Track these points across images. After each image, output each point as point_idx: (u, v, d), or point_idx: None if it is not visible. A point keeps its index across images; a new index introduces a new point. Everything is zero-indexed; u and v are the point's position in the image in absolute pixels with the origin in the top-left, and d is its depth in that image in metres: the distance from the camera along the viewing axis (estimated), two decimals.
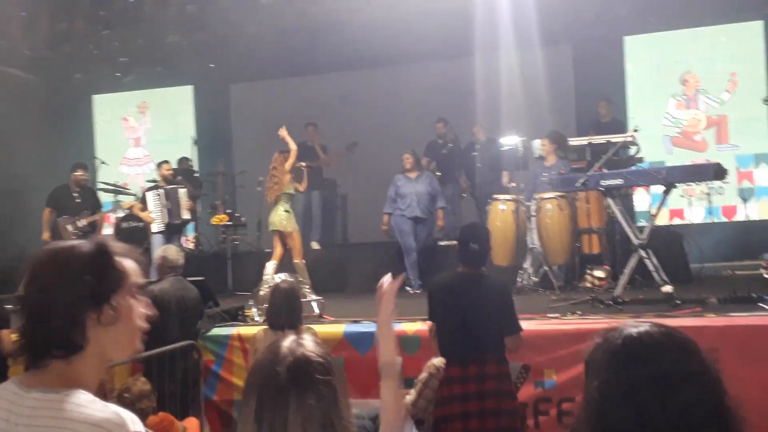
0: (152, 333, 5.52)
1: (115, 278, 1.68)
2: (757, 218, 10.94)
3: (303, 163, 9.02)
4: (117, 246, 1.73)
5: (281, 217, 8.43)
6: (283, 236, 8.48)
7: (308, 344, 1.71)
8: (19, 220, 10.95)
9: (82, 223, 9.67)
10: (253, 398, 1.63)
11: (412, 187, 9.16)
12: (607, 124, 9.92)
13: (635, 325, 1.48)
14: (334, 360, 1.73)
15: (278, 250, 8.49)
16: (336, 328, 6.23)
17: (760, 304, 5.87)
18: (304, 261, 8.45)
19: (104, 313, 1.64)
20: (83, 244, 1.68)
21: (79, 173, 9.93)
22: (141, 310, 1.73)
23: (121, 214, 10.56)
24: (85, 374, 1.65)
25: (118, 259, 1.70)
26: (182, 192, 9.38)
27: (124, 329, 1.69)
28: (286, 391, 1.61)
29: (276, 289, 5.30)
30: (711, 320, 5.49)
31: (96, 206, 10.11)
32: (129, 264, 1.73)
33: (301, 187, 8.90)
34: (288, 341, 1.71)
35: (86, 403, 1.58)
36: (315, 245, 10.80)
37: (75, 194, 9.88)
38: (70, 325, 1.60)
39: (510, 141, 9.22)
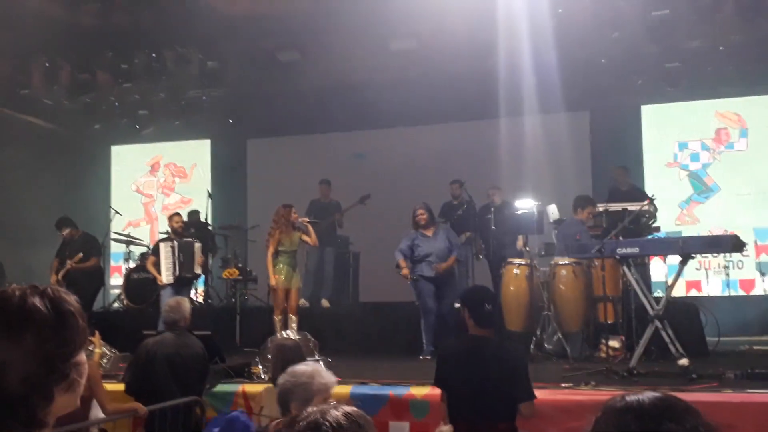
0: (142, 385, 5.35)
1: (80, 339, 1.42)
2: None
3: (306, 219, 9.23)
4: (65, 295, 1.43)
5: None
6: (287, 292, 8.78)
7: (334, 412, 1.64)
8: (36, 270, 10.89)
9: (61, 273, 9.50)
10: None
11: (431, 246, 8.64)
12: (624, 192, 9.82)
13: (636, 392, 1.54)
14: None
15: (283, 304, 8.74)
16: (342, 390, 6.08)
17: None
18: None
19: (70, 380, 1.39)
20: (38, 303, 1.37)
21: (65, 231, 9.83)
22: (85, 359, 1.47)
23: (132, 264, 10.53)
24: None
25: (76, 312, 1.42)
26: (197, 246, 9.32)
27: (78, 387, 1.43)
28: None
29: (279, 346, 5.19)
30: (728, 396, 5.37)
31: (89, 253, 9.79)
32: (79, 310, 1.44)
33: (311, 241, 9.05)
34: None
35: None
36: (325, 303, 10.70)
37: (66, 247, 9.80)
38: (37, 406, 1.35)
39: (525, 205, 9.16)
